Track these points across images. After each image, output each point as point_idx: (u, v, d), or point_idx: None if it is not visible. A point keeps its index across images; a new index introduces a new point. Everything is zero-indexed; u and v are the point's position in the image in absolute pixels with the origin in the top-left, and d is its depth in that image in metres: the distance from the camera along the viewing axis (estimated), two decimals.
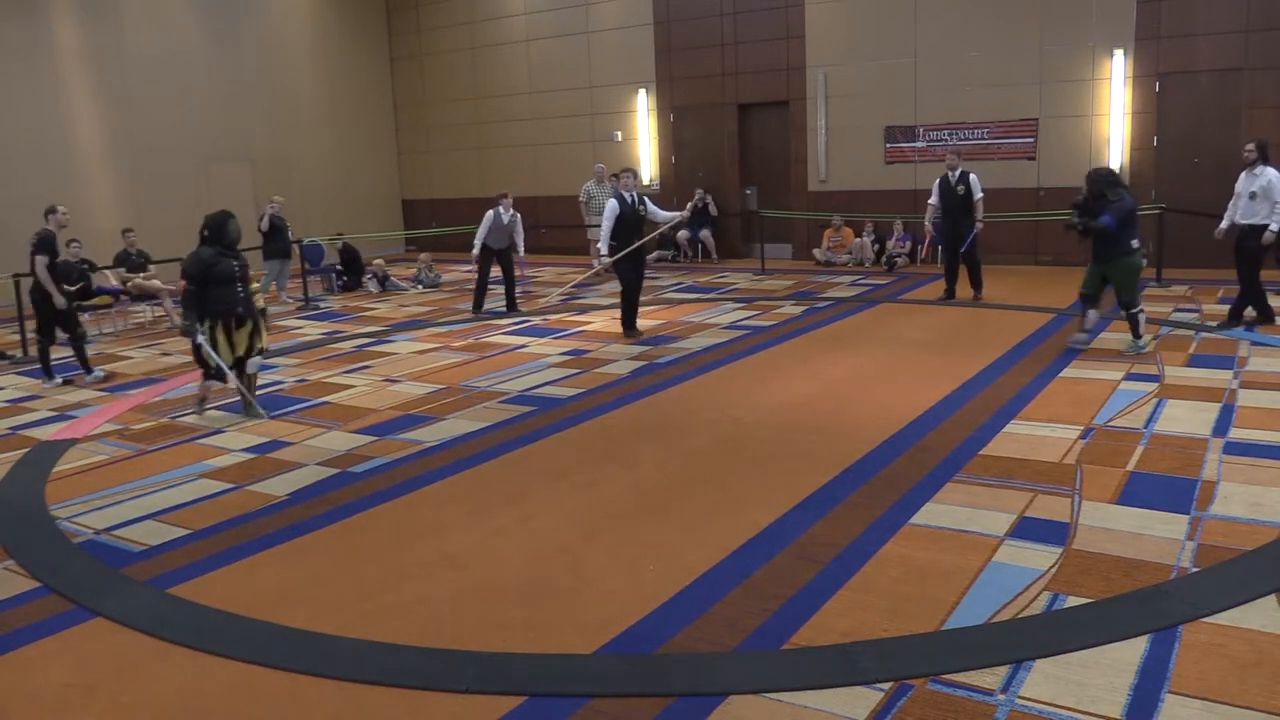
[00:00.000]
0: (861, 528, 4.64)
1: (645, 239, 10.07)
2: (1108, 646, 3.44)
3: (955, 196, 10.97)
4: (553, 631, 3.79)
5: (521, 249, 12.08)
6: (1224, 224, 9.16)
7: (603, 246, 9.82)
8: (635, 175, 10.27)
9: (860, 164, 15.06)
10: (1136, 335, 7.99)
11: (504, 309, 11.87)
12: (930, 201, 11.25)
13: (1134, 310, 7.96)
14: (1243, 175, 8.91)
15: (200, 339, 6.97)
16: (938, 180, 11.19)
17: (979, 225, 11.00)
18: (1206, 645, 3.42)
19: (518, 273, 12.50)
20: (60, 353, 9.17)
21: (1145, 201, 12.76)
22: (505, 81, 18.54)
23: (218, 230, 7.04)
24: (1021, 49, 13.64)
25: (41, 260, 8.62)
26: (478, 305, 11.82)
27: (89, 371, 8.89)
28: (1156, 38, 12.79)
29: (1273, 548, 4.20)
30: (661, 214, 10.29)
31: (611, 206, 9.76)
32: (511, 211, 11.73)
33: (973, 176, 11.00)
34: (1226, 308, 9.90)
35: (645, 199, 10.01)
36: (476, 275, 11.82)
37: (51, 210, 9.00)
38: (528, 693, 3.35)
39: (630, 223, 9.78)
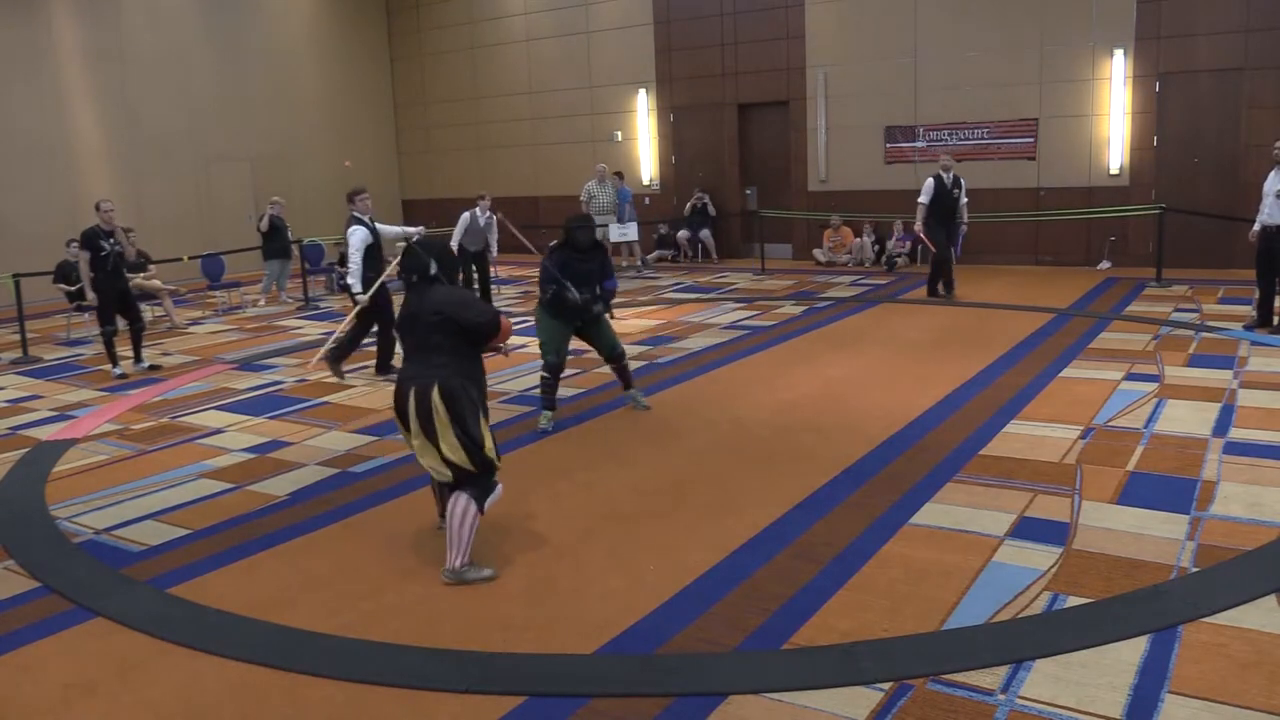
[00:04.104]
0: (861, 528, 4.64)
1: (389, 266, 8.38)
2: (1108, 646, 3.44)
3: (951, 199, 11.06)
4: (553, 631, 3.79)
5: (495, 250, 12.04)
6: (1256, 227, 8.78)
7: (355, 283, 8.18)
8: (368, 194, 8.59)
9: (860, 164, 15.06)
10: (630, 384, 7.05)
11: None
12: (921, 201, 11.05)
13: (621, 351, 6.96)
14: (1271, 175, 8.60)
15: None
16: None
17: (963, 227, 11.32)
18: (1206, 645, 3.42)
19: (493, 272, 12.54)
20: (56, 353, 9.17)
21: (1145, 201, 12.79)
22: (505, 81, 18.53)
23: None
24: (1021, 49, 13.62)
25: (84, 256, 8.93)
26: None
27: (138, 360, 9.28)
28: (1156, 38, 12.79)
29: (1273, 548, 4.20)
30: (391, 230, 8.80)
31: (361, 235, 8.19)
32: (489, 214, 11.69)
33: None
34: (1226, 308, 9.90)
35: (374, 221, 8.52)
36: None
37: (96, 206, 9.17)
38: (528, 693, 3.35)
39: (377, 248, 8.40)
